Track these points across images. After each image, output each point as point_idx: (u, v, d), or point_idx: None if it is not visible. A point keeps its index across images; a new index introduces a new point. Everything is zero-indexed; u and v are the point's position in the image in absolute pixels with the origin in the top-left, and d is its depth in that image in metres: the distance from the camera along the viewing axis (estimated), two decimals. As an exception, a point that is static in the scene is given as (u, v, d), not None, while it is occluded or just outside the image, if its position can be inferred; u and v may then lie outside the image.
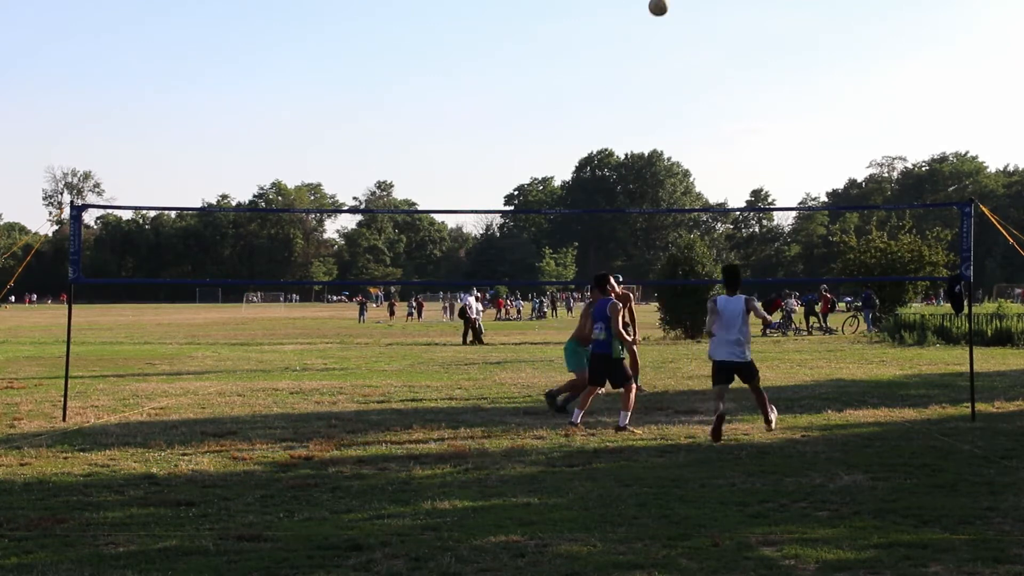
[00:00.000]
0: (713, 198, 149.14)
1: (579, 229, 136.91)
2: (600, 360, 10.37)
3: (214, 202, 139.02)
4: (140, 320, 50.83)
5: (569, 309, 63.10)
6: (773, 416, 10.05)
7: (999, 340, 24.09)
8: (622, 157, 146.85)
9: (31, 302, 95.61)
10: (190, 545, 5.70)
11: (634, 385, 10.47)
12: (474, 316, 28.91)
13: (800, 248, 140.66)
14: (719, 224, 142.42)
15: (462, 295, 31.15)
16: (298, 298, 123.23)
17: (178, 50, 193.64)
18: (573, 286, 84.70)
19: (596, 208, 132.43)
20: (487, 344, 27.34)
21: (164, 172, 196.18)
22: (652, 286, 62.99)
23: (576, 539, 5.82)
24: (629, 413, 10.15)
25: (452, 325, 42.24)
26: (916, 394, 13.34)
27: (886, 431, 10.06)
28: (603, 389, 11.21)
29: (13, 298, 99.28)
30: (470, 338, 28.42)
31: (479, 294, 32.28)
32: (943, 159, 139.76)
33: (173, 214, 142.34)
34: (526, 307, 62.53)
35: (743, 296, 9.85)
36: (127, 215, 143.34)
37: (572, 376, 11.96)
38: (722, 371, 9.71)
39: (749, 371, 9.74)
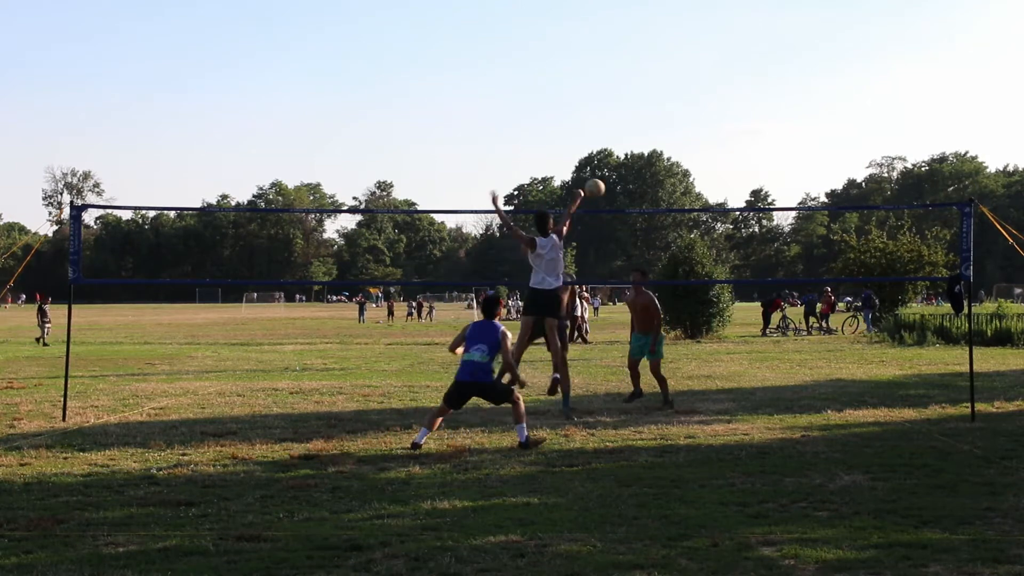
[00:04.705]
0: (713, 198, 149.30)
1: (579, 229, 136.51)
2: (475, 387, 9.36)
3: (214, 202, 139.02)
4: (140, 320, 50.82)
5: (596, 309, 62.65)
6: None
7: (999, 340, 24.11)
8: (622, 157, 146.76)
9: (13, 302, 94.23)
10: (190, 545, 5.70)
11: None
12: (578, 314, 28.15)
13: (800, 248, 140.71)
14: (719, 224, 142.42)
15: None
16: (304, 298, 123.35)
17: (178, 50, 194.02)
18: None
19: (596, 208, 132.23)
20: (589, 343, 26.85)
21: (164, 172, 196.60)
22: (652, 286, 62.73)
23: (576, 539, 5.81)
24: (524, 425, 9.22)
25: (426, 325, 42.24)
26: (916, 394, 13.34)
27: (886, 431, 10.05)
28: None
29: (24, 296, 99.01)
30: (576, 338, 27.98)
31: (586, 293, 30.91)
32: (943, 159, 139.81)
33: (173, 214, 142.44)
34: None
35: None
36: (127, 215, 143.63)
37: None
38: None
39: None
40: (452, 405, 9.51)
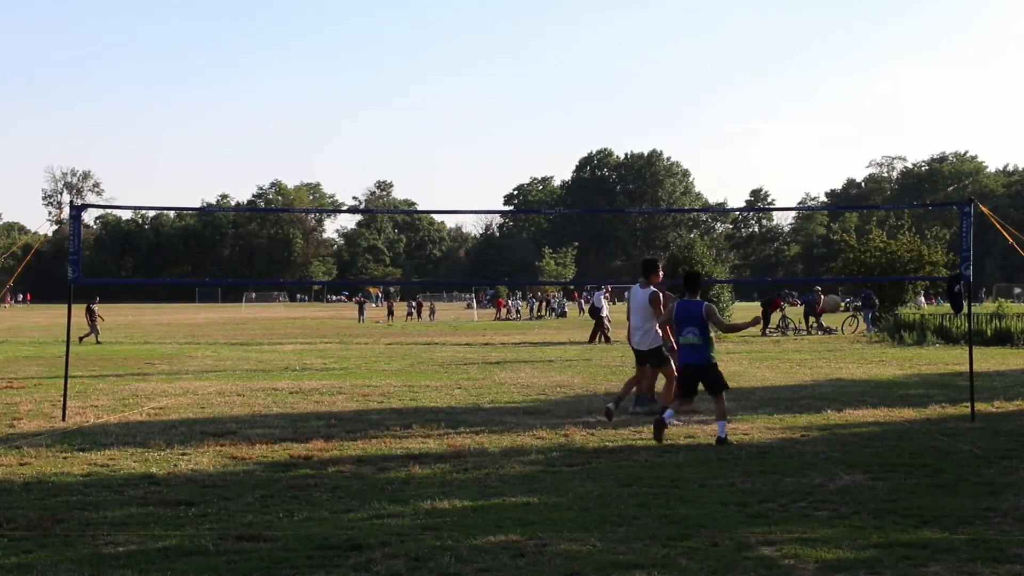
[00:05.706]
0: (713, 198, 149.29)
1: (579, 229, 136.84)
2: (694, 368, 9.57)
3: (214, 202, 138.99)
4: (140, 320, 50.82)
5: (582, 310, 62.54)
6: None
7: (999, 340, 24.11)
8: (622, 157, 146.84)
9: (11, 301, 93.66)
10: (190, 545, 5.70)
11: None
12: (604, 314, 27.83)
13: (800, 248, 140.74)
14: (719, 224, 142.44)
15: (595, 293, 29.86)
16: (307, 298, 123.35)
17: (178, 50, 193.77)
18: (572, 286, 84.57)
19: (596, 208, 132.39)
20: (612, 343, 26.36)
21: (164, 172, 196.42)
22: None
23: (576, 539, 5.81)
24: (725, 422, 9.40)
25: (426, 324, 42.26)
26: (916, 394, 13.34)
27: (886, 431, 10.06)
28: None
29: (20, 296, 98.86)
30: (599, 338, 27.45)
31: (607, 292, 30.32)
32: (943, 159, 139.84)
33: (173, 214, 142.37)
34: (524, 307, 62.42)
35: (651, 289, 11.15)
36: (127, 215, 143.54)
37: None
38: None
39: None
40: (687, 394, 9.66)
